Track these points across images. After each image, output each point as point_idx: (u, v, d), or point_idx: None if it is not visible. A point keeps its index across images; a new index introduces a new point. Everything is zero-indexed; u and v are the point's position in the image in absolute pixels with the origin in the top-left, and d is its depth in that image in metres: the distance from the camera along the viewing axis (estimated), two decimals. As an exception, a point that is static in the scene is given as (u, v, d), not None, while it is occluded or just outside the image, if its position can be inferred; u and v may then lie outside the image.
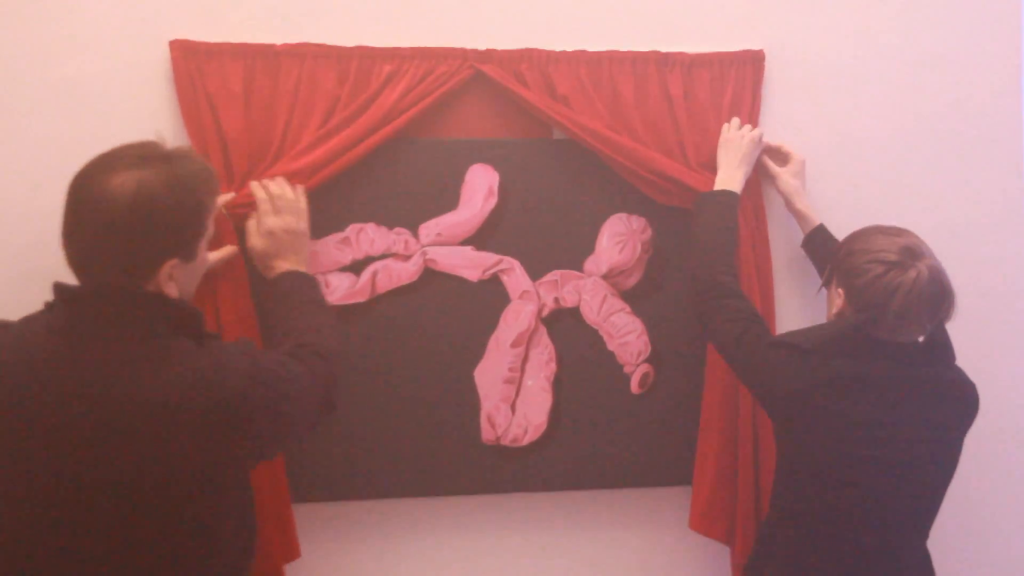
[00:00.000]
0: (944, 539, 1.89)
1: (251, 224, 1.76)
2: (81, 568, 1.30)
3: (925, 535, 1.72)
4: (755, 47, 2.00)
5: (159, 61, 1.84)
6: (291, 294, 1.70)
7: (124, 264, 1.32)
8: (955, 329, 1.97)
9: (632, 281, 1.99)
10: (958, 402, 1.68)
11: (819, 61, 2.05)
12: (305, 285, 1.73)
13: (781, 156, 2.00)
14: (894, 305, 1.57)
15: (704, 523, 1.95)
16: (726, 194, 1.88)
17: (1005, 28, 2.11)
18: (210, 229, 1.44)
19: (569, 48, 1.93)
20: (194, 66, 1.81)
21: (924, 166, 2.10)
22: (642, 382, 1.98)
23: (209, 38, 1.83)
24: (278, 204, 1.75)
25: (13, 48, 1.81)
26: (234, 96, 1.81)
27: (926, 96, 2.09)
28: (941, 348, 1.68)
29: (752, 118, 1.98)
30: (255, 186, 1.76)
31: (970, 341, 1.90)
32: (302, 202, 1.78)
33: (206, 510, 1.35)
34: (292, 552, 1.83)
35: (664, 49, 1.95)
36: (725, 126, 1.94)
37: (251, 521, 1.47)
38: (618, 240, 1.97)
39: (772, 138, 2.00)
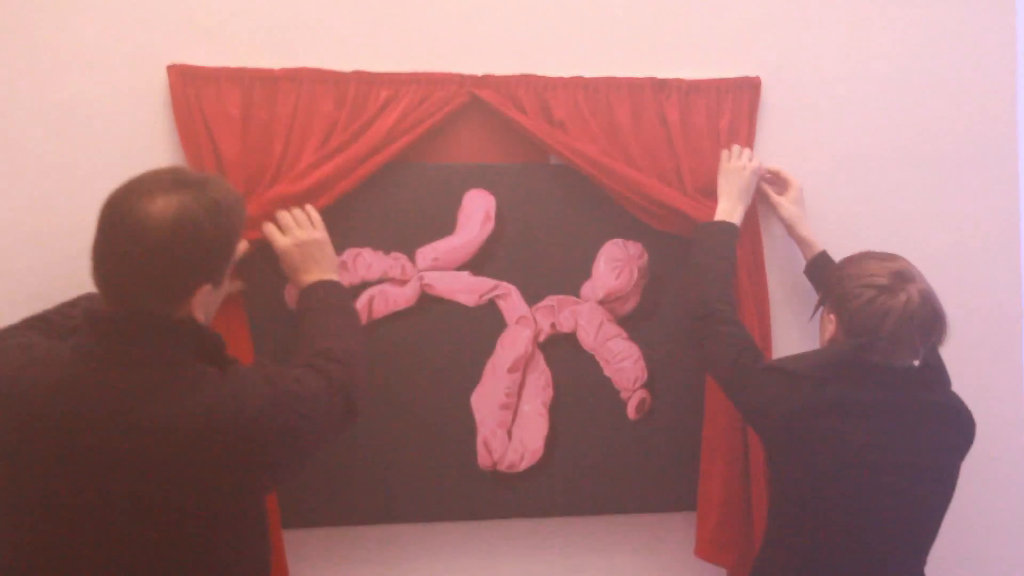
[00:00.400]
0: (942, 565, 1.88)
1: (277, 240, 1.76)
2: None
3: (922, 561, 1.71)
4: (751, 73, 2.01)
5: (157, 85, 1.84)
6: (315, 304, 1.69)
7: (161, 289, 1.31)
8: (948, 351, 1.98)
9: (629, 307, 1.99)
10: (954, 428, 1.68)
11: (814, 86, 2.06)
12: (331, 293, 1.72)
13: (780, 183, 2.00)
14: (885, 329, 1.58)
15: (711, 549, 1.94)
16: (725, 225, 1.89)
17: (999, 51, 2.13)
18: (234, 258, 1.44)
19: (566, 74, 1.93)
20: (192, 90, 1.81)
21: (919, 188, 2.11)
22: (639, 408, 1.98)
23: (207, 63, 1.84)
24: (289, 221, 1.77)
25: (11, 71, 1.81)
26: (232, 120, 1.82)
27: (921, 119, 2.10)
28: (936, 373, 1.68)
29: (749, 144, 1.99)
30: (268, 227, 1.78)
31: (964, 364, 1.90)
32: (314, 214, 1.79)
33: (224, 537, 1.35)
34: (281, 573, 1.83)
35: (661, 75, 1.96)
36: (725, 154, 1.95)
37: (266, 547, 1.46)
38: (615, 266, 1.97)
39: (768, 163, 2.01)
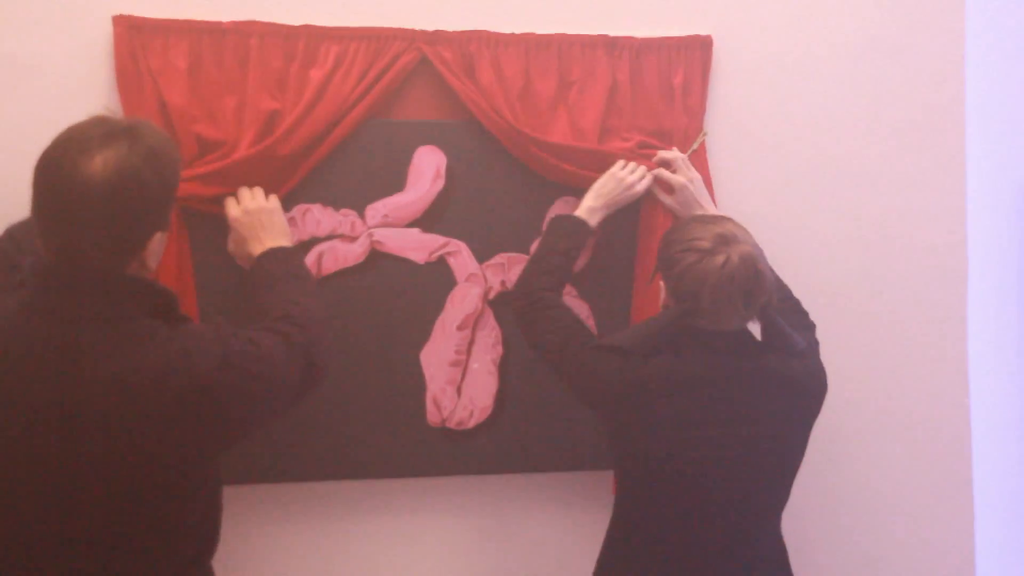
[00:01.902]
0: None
1: (230, 210, 1.77)
2: (46, 547, 1.29)
3: (775, 523, 1.69)
4: (703, 32, 2.00)
5: (104, 37, 1.82)
6: (267, 275, 1.68)
7: (111, 245, 1.30)
8: (892, 316, 2.01)
9: (578, 265, 1.99)
10: (795, 391, 1.62)
11: (767, 45, 2.06)
12: (281, 260, 1.71)
13: (666, 187, 1.95)
14: (705, 291, 1.53)
15: None
16: (578, 223, 1.85)
17: (950, 14, 2.13)
18: (174, 201, 1.43)
19: (518, 31, 1.93)
20: (138, 42, 1.79)
21: (868, 152, 2.12)
22: (588, 366, 1.99)
23: (155, 15, 1.82)
24: (243, 192, 1.78)
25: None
26: (178, 72, 1.80)
27: (872, 82, 2.11)
28: (775, 338, 1.63)
29: (700, 103, 1.99)
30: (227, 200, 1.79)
31: (908, 329, 1.92)
32: (258, 190, 1.80)
33: (175, 494, 1.34)
34: None
35: (613, 34, 1.95)
36: (619, 163, 1.91)
37: (217, 507, 1.46)
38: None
39: (720, 124, 2.01)
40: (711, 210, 1.92)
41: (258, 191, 1.80)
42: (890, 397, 2.15)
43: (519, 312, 1.81)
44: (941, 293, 2.16)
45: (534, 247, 1.95)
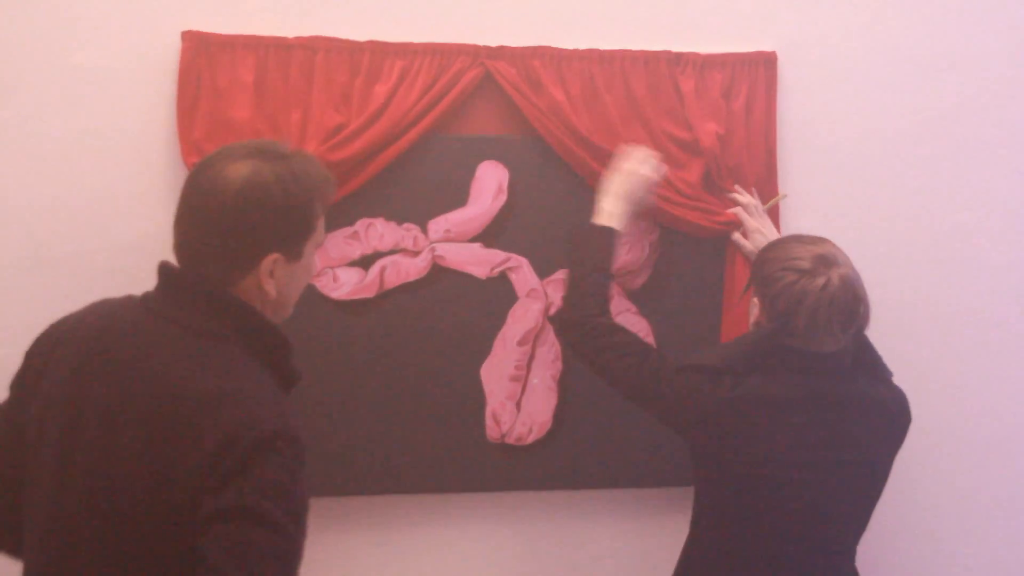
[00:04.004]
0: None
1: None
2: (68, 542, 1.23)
3: (852, 553, 1.68)
4: (767, 48, 2.00)
5: (172, 53, 1.84)
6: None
7: (223, 253, 1.28)
8: (962, 334, 1.98)
9: (639, 281, 1.99)
10: (883, 419, 1.62)
11: (832, 62, 2.05)
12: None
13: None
14: (803, 312, 1.52)
15: None
16: (602, 231, 1.78)
17: (1019, 27, 2.11)
18: (318, 233, 1.37)
19: (581, 47, 1.93)
20: (203, 57, 1.81)
21: (934, 166, 2.09)
22: (648, 382, 1.98)
23: (223, 31, 1.84)
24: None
25: (25, 34, 1.81)
26: (245, 86, 1.82)
27: (938, 96, 2.09)
28: (867, 363, 1.62)
29: (768, 119, 1.98)
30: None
31: (971, 344, 1.89)
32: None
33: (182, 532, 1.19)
34: None
35: (676, 49, 1.95)
36: (630, 148, 1.87)
37: None
38: (625, 240, 1.97)
39: (785, 139, 1.99)
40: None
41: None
42: (959, 418, 2.13)
43: (574, 344, 1.75)
44: (1012, 312, 2.13)
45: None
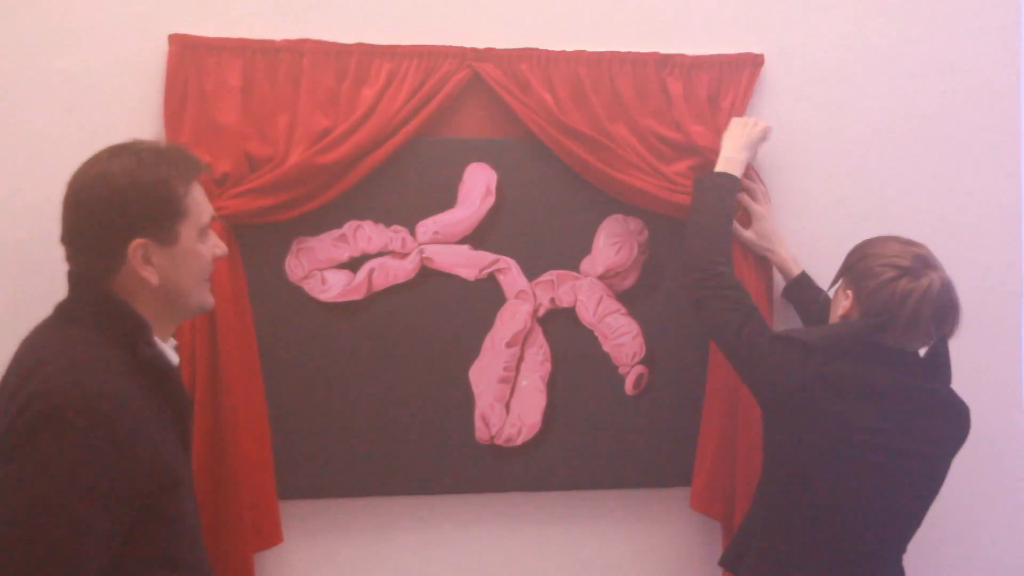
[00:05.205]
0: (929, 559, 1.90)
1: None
2: None
3: (902, 549, 1.71)
4: (756, 51, 2.00)
5: (160, 55, 1.84)
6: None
7: (87, 245, 1.32)
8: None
9: (628, 283, 1.99)
10: (952, 421, 1.68)
11: (817, 65, 2.05)
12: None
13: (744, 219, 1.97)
14: (905, 310, 1.57)
15: (701, 502, 1.96)
16: (726, 177, 1.86)
17: (1004, 32, 2.11)
18: (194, 215, 1.36)
19: (569, 48, 1.93)
20: (191, 60, 1.81)
21: (921, 170, 2.10)
22: (637, 383, 1.99)
23: (210, 34, 1.84)
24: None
25: (13, 38, 1.81)
26: (232, 90, 1.82)
27: (924, 100, 2.10)
28: (943, 366, 1.68)
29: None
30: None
31: (962, 350, 1.89)
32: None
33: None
34: (275, 537, 1.85)
35: (664, 51, 1.95)
36: (735, 120, 1.93)
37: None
38: (615, 241, 1.97)
39: (772, 140, 2.00)
40: (785, 244, 1.96)
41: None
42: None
43: (695, 287, 1.78)
44: (996, 312, 2.13)
45: (584, 264, 1.96)
